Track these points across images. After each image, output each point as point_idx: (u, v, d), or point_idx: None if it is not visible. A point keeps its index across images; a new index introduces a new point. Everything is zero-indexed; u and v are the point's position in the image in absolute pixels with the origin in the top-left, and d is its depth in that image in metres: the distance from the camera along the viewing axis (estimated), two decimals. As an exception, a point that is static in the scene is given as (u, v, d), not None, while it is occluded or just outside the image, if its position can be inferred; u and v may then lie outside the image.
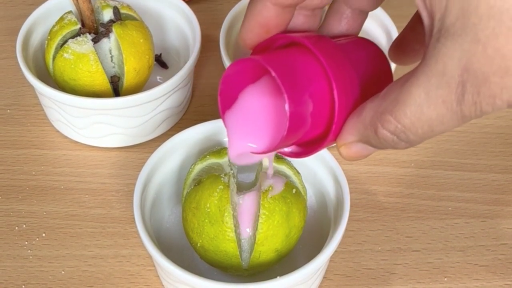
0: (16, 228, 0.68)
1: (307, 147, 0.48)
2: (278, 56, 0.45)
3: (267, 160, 0.60)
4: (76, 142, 0.76)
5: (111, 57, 0.72)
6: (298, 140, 0.46)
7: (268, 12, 0.45)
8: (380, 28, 0.77)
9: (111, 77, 0.73)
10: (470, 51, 0.36)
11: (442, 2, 0.37)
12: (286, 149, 0.48)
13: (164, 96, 0.72)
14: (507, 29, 0.35)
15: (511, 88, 0.35)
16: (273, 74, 0.43)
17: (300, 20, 0.48)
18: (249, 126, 0.48)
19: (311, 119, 0.44)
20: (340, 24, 0.50)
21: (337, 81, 0.44)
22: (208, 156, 0.62)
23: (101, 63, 0.70)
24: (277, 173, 0.60)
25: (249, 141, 0.48)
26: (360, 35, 0.50)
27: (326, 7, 0.50)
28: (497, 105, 0.36)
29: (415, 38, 0.49)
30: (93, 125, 0.72)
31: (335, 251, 0.59)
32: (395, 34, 0.75)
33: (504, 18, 0.34)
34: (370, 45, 0.50)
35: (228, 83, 0.47)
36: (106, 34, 0.72)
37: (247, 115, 0.48)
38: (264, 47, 0.47)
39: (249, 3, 0.47)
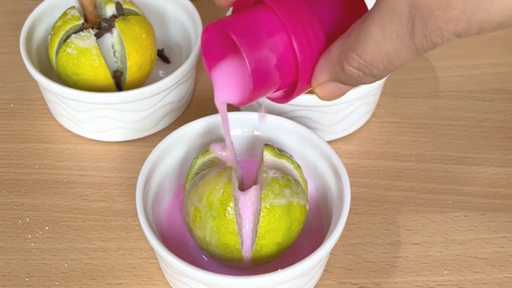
0: (20, 221, 0.69)
1: (288, 92, 0.52)
2: (241, 17, 0.49)
3: (268, 157, 0.60)
4: (79, 136, 0.76)
5: (114, 52, 0.72)
6: (280, 87, 0.50)
7: None
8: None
9: (113, 71, 0.73)
10: None
11: None
12: (273, 95, 0.53)
13: (166, 90, 0.72)
14: None
15: (455, 21, 0.38)
16: (232, 36, 0.47)
17: None
18: (227, 83, 0.54)
19: (278, 71, 0.48)
20: None
21: (295, 31, 0.47)
22: (210, 150, 0.62)
23: (104, 58, 0.71)
24: (279, 168, 0.60)
25: (226, 97, 0.55)
26: None
27: None
28: (445, 36, 0.40)
29: None
30: (96, 119, 0.73)
31: (336, 244, 0.59)
32: None
33: None
34: None
35: (207, 45, 0.52)
36: (109, 29, 0.72)
37: (225, 74, 0.53)
38: (241, 6, 0.51)
39: None
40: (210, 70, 0.54)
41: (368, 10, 0.44)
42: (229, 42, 0.49)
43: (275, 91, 0.52)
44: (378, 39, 0.42)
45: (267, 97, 0.53)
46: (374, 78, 0.45)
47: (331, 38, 0.48)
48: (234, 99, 0.54)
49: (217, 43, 0.52)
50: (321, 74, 0.48)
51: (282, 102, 0.53)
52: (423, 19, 0.40)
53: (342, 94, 0.49)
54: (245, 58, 0.47)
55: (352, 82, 0.47)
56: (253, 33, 0.48)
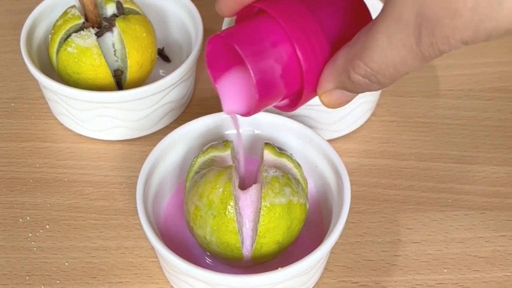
0: (20, 220, 0.69)
1: (294, 101, 0.52)
2: (245, 28, 0.49)
3: (268, 156, 0.61)
4: (80, 135, 0.76)
5: (114, 51, 0.73)
6: (285, 96, 0.50)
7: None
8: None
9: (114, 70, 0.73)
10: None
11: None
12: (279, 104, 0.53)
13: (166, 89, 0.73)
14: None
15: (462, 29, 0.38)
16: (237, 48, 0.47)
17: None
18: (233, 94, 0.54)
19: (283, 80, 0.48)
20: None
21: (299, 40, 0.48)
22: (210, 149, 0.62)
23: (104, 57, 0.71)
24: (279, 167, 0.61)
25: (234, 108, 0.55)
26: None
27: None
28: (452, 44, 0.40)
29: None
30: (97, 118, 0.73)
31: (336, 242, 0.59)
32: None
33: None
34: None
35: (212, 57, 0.52)
36: (109, 28, 0.72)
37: (231, 85, 0.54)
38: (245, 15, 0.51)
39: None
40: (215, 81, 0.54)
41: (373, 19, 0.44)
42: (233, 53, 0.49)
43: (281, 100, 0.52)
44: (385, 47, 0.42)
45: (274, 106, 0.53)
46: (380, 85, 0.45)
47: (335, 46, 0.48)
48: (241, 109, 0.54)
49: (221, 54, 0.52)
50: (327, 82, 0.48)
51: (289, 111, 0.53)
52: (430, 28, 0.39)
53: (348, 101, 0.50)
54: (250, 69, 0.47)
55: (359, 90, 0.47)
56: (257, 44, 0.48)
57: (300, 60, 0.48)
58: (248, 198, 0.58)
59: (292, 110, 0.53)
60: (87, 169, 0.73)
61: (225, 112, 0.56)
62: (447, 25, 0.39)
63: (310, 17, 0.48)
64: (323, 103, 0.50)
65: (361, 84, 0.46)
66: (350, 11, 0.51)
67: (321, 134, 0.67)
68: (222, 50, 0.52)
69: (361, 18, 0.51)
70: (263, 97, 0.49)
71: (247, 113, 0.53)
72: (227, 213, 0.57)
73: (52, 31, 0.73)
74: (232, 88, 0.54)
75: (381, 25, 0.42)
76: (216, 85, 0.54)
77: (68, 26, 0.72)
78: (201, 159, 0.62)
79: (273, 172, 0.58)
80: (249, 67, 0.47)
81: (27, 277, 0.65)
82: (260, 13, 0.50)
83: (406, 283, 0.64)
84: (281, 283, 0.57)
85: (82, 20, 0.72)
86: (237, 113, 0.55)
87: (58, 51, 0.72)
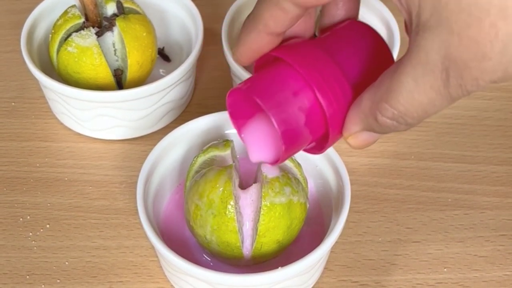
0: (21, 219, 0.69)
1: (321, 143, 0.52)
2: (264, 79, 0.49)
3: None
4: (80, 134, 0.76)
5: (115, 50, 0.73)
6: (312, 140, 0.50)
7: (262, 40, 0.49)
8: (380, 22, 0.77)
9: (114, 70, 0.73)
10: (448, 41, 0.39)
11: (415, 1, 0.40)
12: (306, 148, 0.53)
13: (167, 89, 0.73)
14: (477, 20, 0.37)
15: (490, 71, 0.39)
16: (258, 101, 0.47)
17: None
18: (259, 143, 0.54)
19: (308, 128, 0.49)
20: (338, 8, 0.52)
21: (320, 86, 0.47)
22: (210, 149, 0.62)
23: (105, 57, 0.71)
24: (279, 166, 0.61)
25: (261, 157, 0.56)
26: None
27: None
28: (481, 85, 0.40)
29: None
30: (97, 117, 0.73)
31: (336, 242, 0.59)
32: (394, 26, 0.76)
33: (473, 10, 0.37)
34: (362, 31, 0.52)
35: (233, 107, 0.53)
36: (110, 27, 0.72)
37: (256, 134, 0.54)
38: (263, 63, 0.51)
39: (243, 30, 0.50)
40: (240, 130, 0.54)
41: (397, 60, 0.44)
42: (255, 102, 0.49)
43: (308, 144, 0.52)
44: (412, 90, 0.42)
45: (302, 150, 0.53)
46: (408, 126, 0.45)
47: (358, 88, 0.48)
48: (268, 158, 0.55)
49: (242, 103, 0.52)
50: (353, 124, 0.48)
51: (317, 153, 0.53)
52: (458, 71, 0.39)
53: (374, 141, 0.49)
54: (274, 122, 0.47)
55: (386, 131, 0.47)
56: (278, 95, 0.48)
57: (323, 106, 0.48)
58: (248, 198, 0.58)
59: (320, 153, 0.53)
60: (87, 168, 0.73)
61: (252, 161, 0.56)
62: (476, 68, 0.39)
63: (329, 61, 0.48)
64: (350, 145, 0.50)
65: (389, 126, 0.45)
66: (371, 51, 0.50)
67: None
68: (242, 99, 0.52)
69: (382, 58, 0.50)
70: (289, 147, 0.49)
71: (275, 162, 0.54)
72: (227, 212, 0.57)
73: (53, 31, 0.73)
74: (257, 137, 0.54)
75: (406, 67, 0.42)
76: (242, 135, 0.55)
77: (68, 25, 0.72)
78: (201, 158, 0.62)
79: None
80: (272, 119, 0.47)
81: (28, 276, 0.65)
82: (277, 60, 0.50)
83: (406, 283, 0.64)
84: (281, 283, 0.57)
85: (83, 19, 0.72)
86: (264, 161, 0.56)
87: (58, 50, 0.72)
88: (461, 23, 0.38)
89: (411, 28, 0.42)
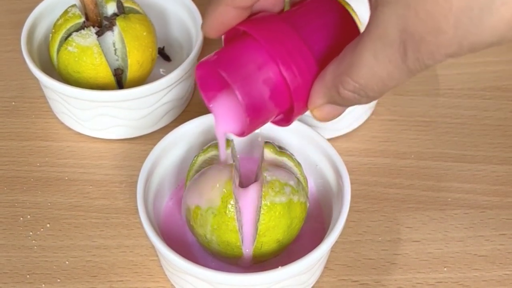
0: (21, 218, 0.69)
1: (287, 116, 0.52)
2: (230, 52, 0.50)
3: (268, 155, 0.61)
4: (80, 134, 0.76)
5: (115, 50, 0.73)
6: (278, 113, 0.51)
7: (230, 14, 0.49)
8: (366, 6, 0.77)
9: (114, 69, 0.73)
10: (405, 15, 0.40)
11: None
12: (274, 120, 0.53)
13: (167, 88, 0.73)
14: None
15: (446, 45, 0.40)
16: (223, 74, 0.48)
17: None
18: (226, 116, 0.55)
19: (273, 101, 0.49)
20: None
21: (284, 60, 0.48)
22: (211, 148, 0.62)
23: (105, 56, 0.71)
24: (279, 165, 0.61)
25: (227, 129, 0.56)
26: None
27: None
28: (437, 59, 0.41)
29: None
30: (97, 117, 0.73)
31: (336, 241, 0.59)
32: None
33: None
34: (329, 5, 0.52)
35: (203, 79, 0.53)
36: (110, 27, 0.72)
37: (224, 106, 0.54)
38: (232, 36, 0.52)
39: (211, 3, 0.50)
40: (209, 102, 0.55)
41: (359, 35, 0.45)
42: (217, 76, 0.50)
43: (276, 117, 0.53)
44: (372, 64, 0.43)
45: (270, 122, 0.54)
46: (369, 99, 0.46)
47: (324, 61, 0.49)
48: (234, 130, 0.55)
49: (212, 75, 0.53)
50: (317, 97, 0.49)
51: (285, 125, 0.54)
52: (415, 44, 0.40)
53: (339, 114, 0.50)
54: (237, 94, 0.48)
55: (348, 104, 0.48)
56: (243, 68, 0.49)
57: (286, 80, 0.48)
58: (248, 197, 0.58)
59: (288, 125, 0.53)
60: (87, 168, 0.74)
61: (218, 132, 0.57)
62: (432, 41, 0.40)
63: (295, 36, 0.49)
64: (315, 118, 0.51)
65: (351, 99, 0.46)
66: (337, 25, 0.51)
67: (321, 133, 0.67)
68: (212, 72, 0.52)
69: (348, 31, 0.51)
70: (253, 119, 0.49)
71: (241, 134, 0.54)
72: (227, 212, 0.57)
73: (53, 30, 0.73)
74: (225, 110, 0.55)
75: (366, 42, 0.43)
76: (210, 106, 0.55)
77: (68, 25, 0.72)
78: (202, 158, 0.62)
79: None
80: (236, 92, 0.48)
81: (28, 276, 0.65)
82: (245, 34, 0.50)
83: (406, 282, 0.64)
84: (281, 282, 0.57)
85: (83, 19, 0.72)
86: (231, 133, 0.56)
87: (58, 50, 0.72)
88: None
89: (370, 4, 0.43)
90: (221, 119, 0.55)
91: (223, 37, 0.53)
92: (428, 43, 0.40)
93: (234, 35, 0.52)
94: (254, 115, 0.49)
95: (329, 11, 0.51)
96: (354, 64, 0.44)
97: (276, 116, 0.52)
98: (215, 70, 0.50)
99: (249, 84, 0.48)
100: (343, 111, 0.50)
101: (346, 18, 0.51)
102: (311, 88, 0.49)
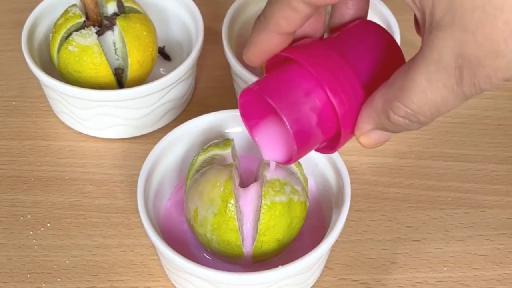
0: (21, 218, 0.69)
1: (332, 143, 0.52)
2: (275, 79, 0.49)
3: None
4: (80, 133, 0.76)
5: (115, 49, 0.73)
6: (324, 140, 0.50)
7: (273, 40, 0.49)
8: (381, 21, 0.77)
9: (115, 69, 0.73)
10: (461, 40, 0.39)
11: (429, 0, 0.41)
12: (318, 147, 0.52)
13: (167, 88, 0.73)
14: (492, 17, 0.38)
15: (504, 68, 0.39)
16: (270, 102, 0.47)
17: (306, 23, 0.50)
18: (271, 143, 0.54)
19: (320, 128, 0.48)
20: (348, 8, 0.52)
21: (331, 86, 0.47)
22: (211, 147, 0.62)
23: (105, 56, 0.71)
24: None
25: (273, 157, 0.55)
26: None
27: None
28: (494, 83, 0.40)
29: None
30: (97, 116, 0.73)
31: (336, 240, 0.59)
32: (395, 26, 0.76)
33: (487, 8, 0.38)
34: (372, 30, 0.52)
35: (245, 107, 0.52)
36: (110, 27, 0.72)
37: (268, 134, 0.54)
38: (274, 63, 0.51)
39: (254, 31, 0.50)
40: (251, 131, 0.54)
41: (410, 59, 0.44)
42: (266, 102, 0.49)
43: (321, 144, 0.52)
44: (425, 88, 0.42)
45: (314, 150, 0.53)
46: (421, 124, 0.45)
47: (369, 87, 0.48)
48: (280, 158, 0.54)
49: (254, 104, 0.52)
50: (365, 123, 0.48)
51: (329, 153, 0.53)
52: (472, 69, 0.40)
53: (386, 140, 0.50)
54: (286, 122, 0.47)
55: (398, 130, 0.47)
56: (290, 95, 0.48)
57: (334, 106, 0.48)
58: (248, 196, 0.59)
59: (332, 152, 0.53)
60: (88, 167, 0.74)
61: (265, 159, 0.56)
62: (490, 65, 0.39)
63: (340, 61, 0.48)
64: (362, 144, 0.50)
65: (401, 124, 0.46)
66: (381, 50, 0.51)
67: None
68: (254, 99, 0.52)
69: (393, 57, 0.50)
70: (301, 147, 0.49)
71: (287, 162, 0.53)
72: (227, 211, 0.57)
73: (53, 30, 0.73)
74: (269, 137, 0.54)
75: (419, 66, 0.42)
76: (254, 135, 0.55)
77: (69, 24, 0.72)
78: (202, 157, 0.62)
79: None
80: (285, 120, 0.47)
81: (28, 275, 0.65)
82: (288, 60, 0.50)
83: (406, 281, 0.64)
84: (281, 281, 0.57)
85: (83, 18, 0.72)
86: (276, 161, 0.55)
87: (59, 49, 0.72)
88: (475, 21, 0.38)
89: (424, 27, 0.42)
90: (266, 148, 0.55)
91: (263, 64, 0.52)
92: (486, 67, 0.39)
93: (276, 62, 0.51)
94: (302, 143, 0.49)
95: (373, 36, 0.51)
96: (406, 89, 0.43)
97: (321, 144, 0.52)
98: (259, 98, 0.49)
99: (297, 111, 0.48)
100: (389, 138, 0.49)
101: (390, 44, 0.51)
102: (358, 114, 0.48)
